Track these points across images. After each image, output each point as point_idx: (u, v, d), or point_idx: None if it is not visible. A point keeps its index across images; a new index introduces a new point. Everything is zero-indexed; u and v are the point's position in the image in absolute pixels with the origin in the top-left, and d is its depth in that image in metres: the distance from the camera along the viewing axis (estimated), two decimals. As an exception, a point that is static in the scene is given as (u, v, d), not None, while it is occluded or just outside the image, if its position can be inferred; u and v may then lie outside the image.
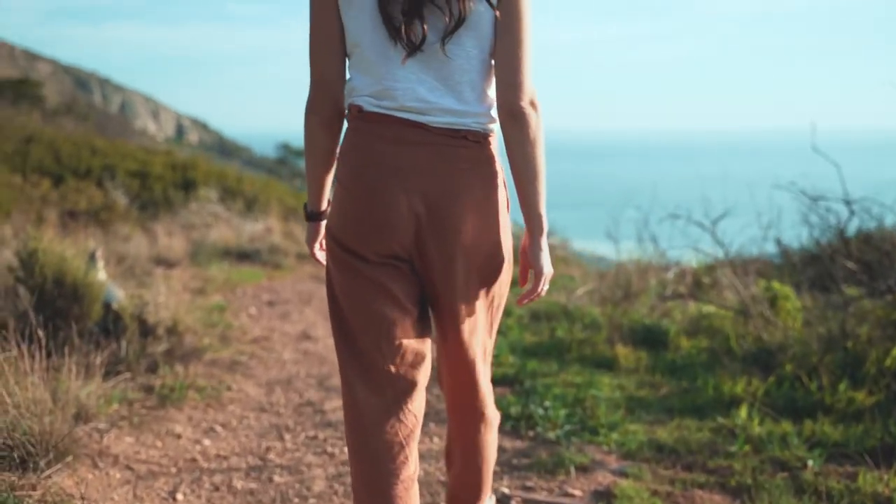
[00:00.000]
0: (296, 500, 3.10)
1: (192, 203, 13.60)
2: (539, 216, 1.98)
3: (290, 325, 6.30)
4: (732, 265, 6.27)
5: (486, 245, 1.99)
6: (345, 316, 2.02)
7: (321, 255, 2.25)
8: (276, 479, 3.28)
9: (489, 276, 2.04)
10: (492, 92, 1.96)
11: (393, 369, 2.00)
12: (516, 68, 1.89)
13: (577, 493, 3.16)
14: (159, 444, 3.60)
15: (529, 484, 3.24)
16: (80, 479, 3.05)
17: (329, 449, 3.62)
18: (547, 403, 4.06)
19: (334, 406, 4.23)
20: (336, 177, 2.02)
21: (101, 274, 5.05)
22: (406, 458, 2.01)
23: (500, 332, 5.48)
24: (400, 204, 1.92)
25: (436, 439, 3.75)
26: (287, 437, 3.79)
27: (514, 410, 3.98)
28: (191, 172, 16.47)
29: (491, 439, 2.37)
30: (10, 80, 29.17)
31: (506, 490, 3.17)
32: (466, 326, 2.07)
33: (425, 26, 1.85)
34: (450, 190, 1.92)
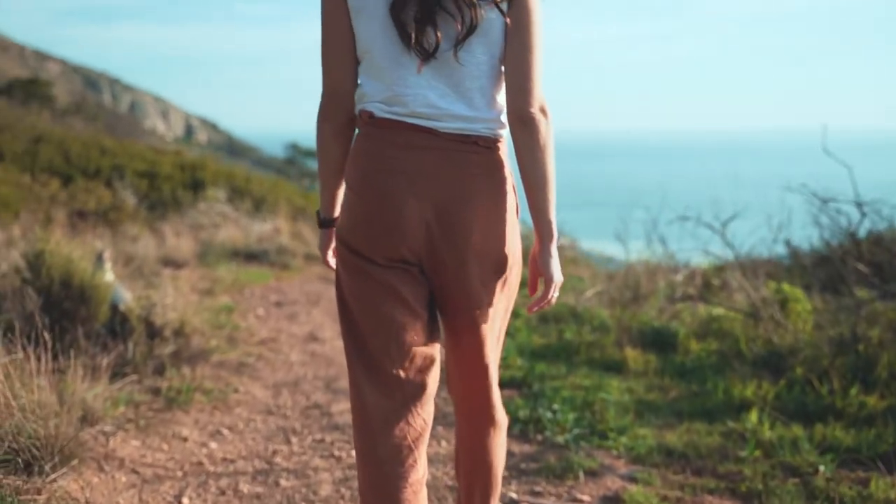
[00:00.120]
0: (302, 504, 3.09)
1: (201, 203, 13.61)
2: (549, 222, 1.97)
3: (298, 327, 6.29)
4: (742, 267, 6.24)
5: (496, 250, 1.99)
6: (354, 319, 2.01)
7: (334, 262, 2.24)
8: (283, 483, 3.26)
9: (500, 281, 2.03)
10: (501, 98, 1.96)
11: (402, 373, 1.99)
12: (526, 74, 1.89)
13: (586, 498, 3.14)
14: (165, 447, 3.59)
15: (538, 489, 3.22)
16: (86, 482, 3.03)
17: (336, 452, 3.61)
18: (555, 407, 4.04)
19: (341, 409, 4.21)
20: (346, 181, 2.03)
21: (109, 275, 5.04)
22: (415, 461, 2.00)
23: (508, 333, 5.45)
24: (409, 208, 1.92)
25: (443, 443, 3.72)
26: (294, 440, 3.77)
27: (522, 414, 3.96)
28: (199, 172, 16.47)
29: (500, 443, 2.35)
30: (21, 80, 29.25)
31: (514, 495, 3.15)
32: (480, 331, 2.07)
33: (439, 34, 1.86)
34: (460, 195, 1.93)
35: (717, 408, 4.15)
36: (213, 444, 3.66)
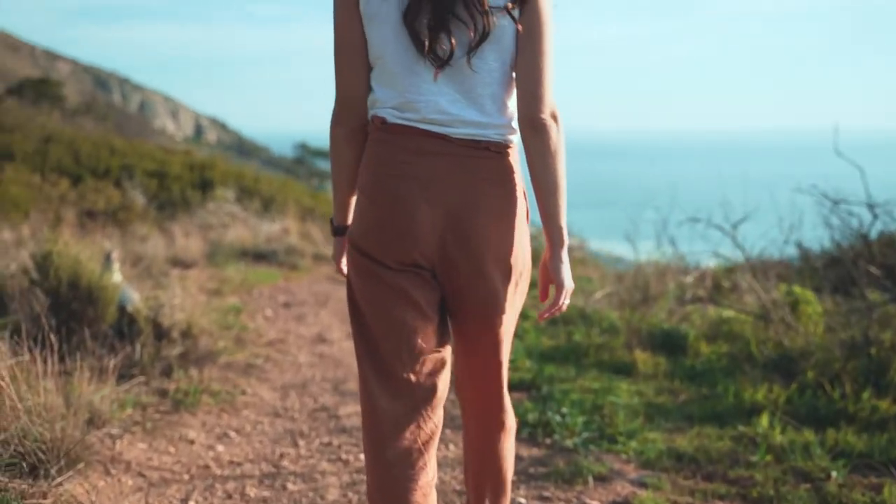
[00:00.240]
0: (309, 508, 3.07)
1: (210, 203, 13.62)
2: (560, 228, 1.98)
3: (306, 328, 6.28)
4: (752, 268, 6.19)
5: (508, 255, 1.99)
6: (366, 322, 2.02)
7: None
8: (290, 486, 3.24)
9: (511, 285, 2.04)
10: (512, 103, 1.97)
11: (413, 377, 1.99)
12: (538, 81, 1.90)
13: None
14: (172, 449, 3.58)
15: (546, 494, 3.19)
16: (92, 486, 3.02)
17: (343, 456, 3.59)
18: (564, 410, 4.01)
19: (349, 411, 4.19)
20: (358, 186, 2.03)
21: (117, 275, 5.03)
22: (424, 464, 2.00)
23: (516, 335, 5.43)
24: (422, 214, 1.93)
25: (451, 446, 3.70)
26: (301, 443, 3.75)
27: (531, 417, 3.93)
28: (208, 172, 16.49)
29: (509, 447, 2.35)
30: (31, 80, 29.33)
31: (522, 500, 3.12)
32: (492, 335, 2.08)
33: (453, 41, 1.87)
34: (471, 201, 1.94)
35: (727, 412, 4.11)
36: (220, 447, 3.64)
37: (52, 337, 3.33)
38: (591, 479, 3.29)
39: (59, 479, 2.86)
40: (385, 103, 1.95)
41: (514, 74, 1.94)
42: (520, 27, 1.89)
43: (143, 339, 4.51)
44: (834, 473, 3.28)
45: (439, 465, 3.45)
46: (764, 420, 3.83)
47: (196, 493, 3.14)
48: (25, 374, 3.08)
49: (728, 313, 5.75)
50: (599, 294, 6.76)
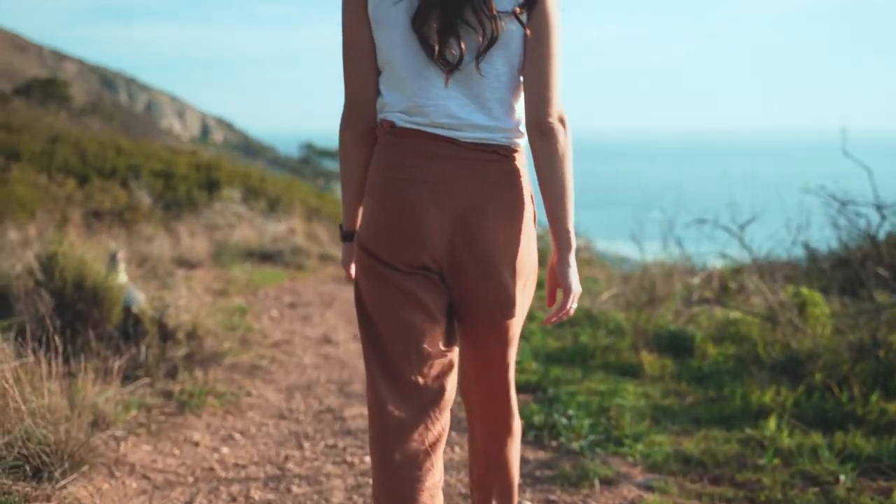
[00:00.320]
0: (314, 511, 3.05)
1: (216, 203, 13.62)
2: (567, 232, 1.99)
3: (312, 329, 6.26)
4: (759, 269, 6.16)
5: (515, 258, 2.00)
6: (374, 324, 2.02)
7: None
8: (295, 489, 3.23)
9: (519, 288, 2.04)
10: (520, 107, 1.98)
11: (421, 379, 1.99)
12: (546, 85, 1.91)
13: (602, 507, 3.09)
14: (177, 452, 3.56)
15: (552, 497, 3.17)
16: (96, 488, 3.01)
17: (349, 458, 3.57)
18: (570, 412, 3.99)
19: (354, 413, 4.18)
20: (367, 189, 2.04)
21: (122, 276, 5.03)
22: (431, 466, 2.00)
23: (522, 336, 5.41)
24: (431, 218, 1.94)
25: (457, 449, 3.69)
26: (306, 445, 3.74)
27: (537, 419, 3.91)
28: (215, 172, 16.49)
29: (515, 450, 2.35)
30: (39, 80, 29.38)
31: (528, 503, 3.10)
32: (499, 338, 2.09)
33: (462, 45, 1.88)
34: (479, 204, 1.94)
35: (734, 414, 4.08)
36: (225, 449, 3.63)
37: (57, 338, 3.33)
38: (597, 483, 3.27)
39: (62, 482, 2.85)
40: (394, 107, 1.96)
41: (521, 78, 1.95)
42: (528, 32, 1.89)
43: (148, 340, 4.50)
44: (842, 477, 3.25)
45: (445, 467, 3.41)
46: (771, 423, 3.80)
47: (200, 496, 3.12)
48: (30, 375, 3.07)
49: (735, 315, 5.71)
50: (605, 295, 6.74)
